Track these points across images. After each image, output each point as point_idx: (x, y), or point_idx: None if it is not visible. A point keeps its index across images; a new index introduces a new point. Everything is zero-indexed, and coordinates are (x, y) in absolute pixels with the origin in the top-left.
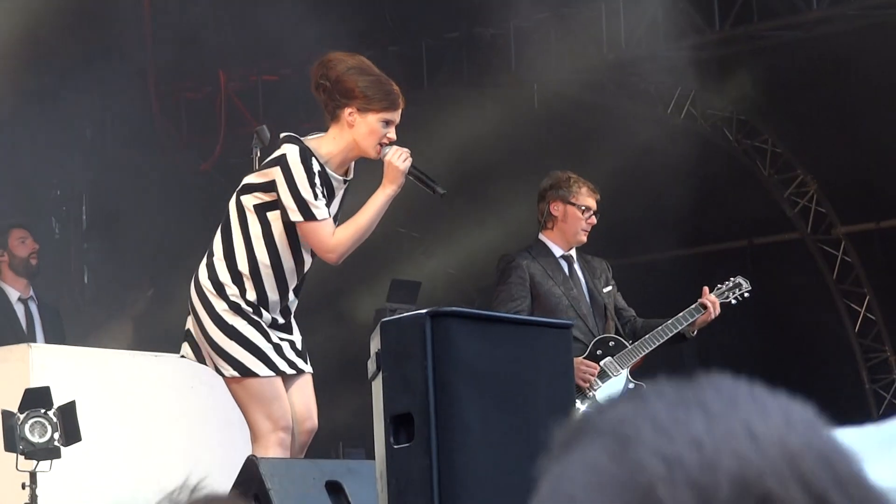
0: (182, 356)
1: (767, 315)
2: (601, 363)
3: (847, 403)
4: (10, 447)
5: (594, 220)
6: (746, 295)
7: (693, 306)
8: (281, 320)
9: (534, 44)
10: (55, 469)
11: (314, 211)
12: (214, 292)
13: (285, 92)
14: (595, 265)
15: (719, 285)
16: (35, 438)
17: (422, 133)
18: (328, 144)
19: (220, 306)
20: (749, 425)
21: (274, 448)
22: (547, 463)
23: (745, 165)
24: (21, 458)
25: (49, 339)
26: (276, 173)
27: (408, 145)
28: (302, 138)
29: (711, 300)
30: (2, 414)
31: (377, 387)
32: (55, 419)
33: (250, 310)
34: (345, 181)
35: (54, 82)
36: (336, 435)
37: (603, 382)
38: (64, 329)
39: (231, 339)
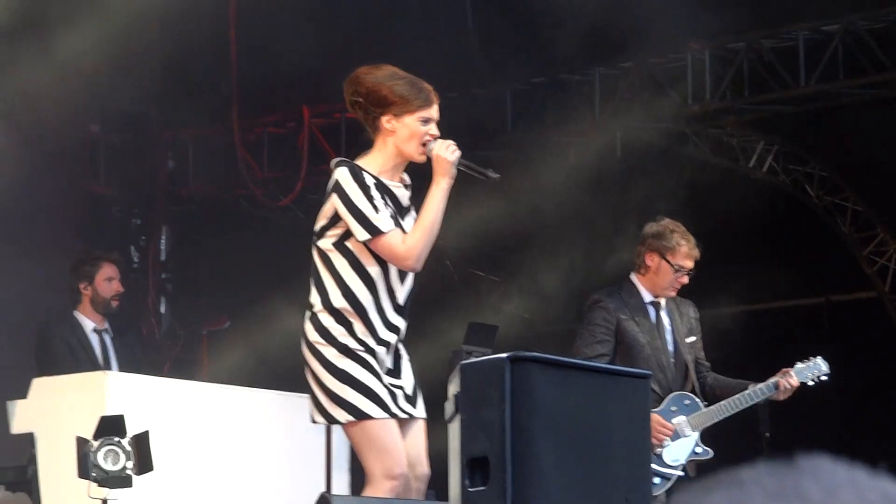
0: (314, 422)
1: (843, 373)
2: (673, 421)
3: None
4: (83, 474)
5: (686, 279)
6: (824, 378)
7: (772, 381)
8: (390, 365)
9: (619, 91)
10: (126, 498)
11: (377, 224)
12: (323, 341)
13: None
14: (683, 311)
15: (799, 363)
16: (108, 466)
17: (503, 176)
18: (376, 158)
19: (330, 353)
20: None
21: (384, 494)
22: None
23: (826, 222)
24: (94, 485)
25: (123, 370)
26: (334, 201)
27: (491, 187)
28: (352, 160)
29: (791, 385)
30: (77, 441)
31: (454, 429)
32: (129, 448)
33: (361, 348)
34: (406, 186)
35: (140, 111)
36: None
37: (672, 441)
38: (139, 360)
39: (344, 383)
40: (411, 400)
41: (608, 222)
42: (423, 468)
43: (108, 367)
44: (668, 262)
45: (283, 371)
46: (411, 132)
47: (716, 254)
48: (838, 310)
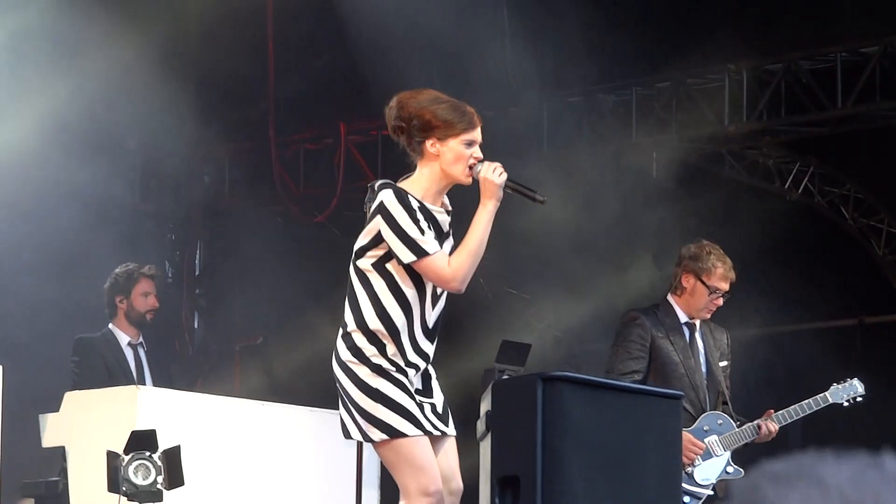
0: (348, 437)
1: (877, 395)
2: (706, 440)
3: None
4: (113, 488)
5: (720, 301)
6: (859, 399)
7: (809, 400)
8: (420, 386)
9: (655, 111)
10: None
11: (424, 247)
12: (356, 360)
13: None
14: (717, 336)
15: (835, 384)
16: (139, 481)
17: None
18: (420, 181)
19: (363, 372)
20: None
21: None
22: None
23: (860, 243)
24: (124, 499)
25: (157, 385)
26: (378, 223)
27: (526, 205)
28: (395, 182)
29: (770, 430)
30: (107, 455)
31: (485, 447)
32: (160, 462)
33: (393, 368)
34: (448, 212)
35: (177, 126)
36: None
37: (703, 461)
38: (172, 376)
39: (377, 402)
40: (442, 418)
41: (643, 241)
42: (457, 483)
43: (141, 381)
44: (703, 283)
45: (316, 388)
46: (456, 155)
47: (751, 275)
48: (872, 331)
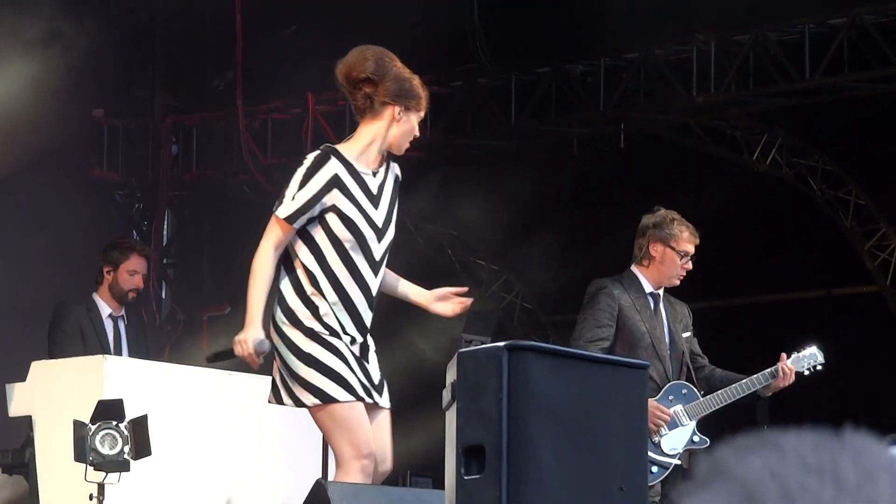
0: (269, 401)
1: (844, 367)
2: (672, 409)
3: None
4: (80, 458)
5: (690, 265)
6: (819, 368)
7: (770, 369)
8: (357, 353)
9: (623, 83)
10: (124, 481)
11: (281, 206)
12: (289, 324)
13: None
14: (678, 309)
15: (796, 352)
16: (105, 450)
17: (506, 166)
18: (363, 140)
19: (296, 336)
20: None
21: (356, 474)
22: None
23: (828, 215)
24: (90, 469)
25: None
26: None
27: (493, 177)
28: (336, 145)
29: (788, 368)
30: (74, 424)
31: (451, 417)
32: (126, 432)
33: (326, 332)
34: (389, 173)
35: (144, 96)
36: (404, 463)
37: (670, 430)
38: (148, 349)
39: (310, 366)
40: (377, 388)
41: (610, 212)
42: (387, 465)
43: (119, 353)
44: (672, 249)
45: None
46: (411, 129)
47: (718, 246)
48: (839, 303)
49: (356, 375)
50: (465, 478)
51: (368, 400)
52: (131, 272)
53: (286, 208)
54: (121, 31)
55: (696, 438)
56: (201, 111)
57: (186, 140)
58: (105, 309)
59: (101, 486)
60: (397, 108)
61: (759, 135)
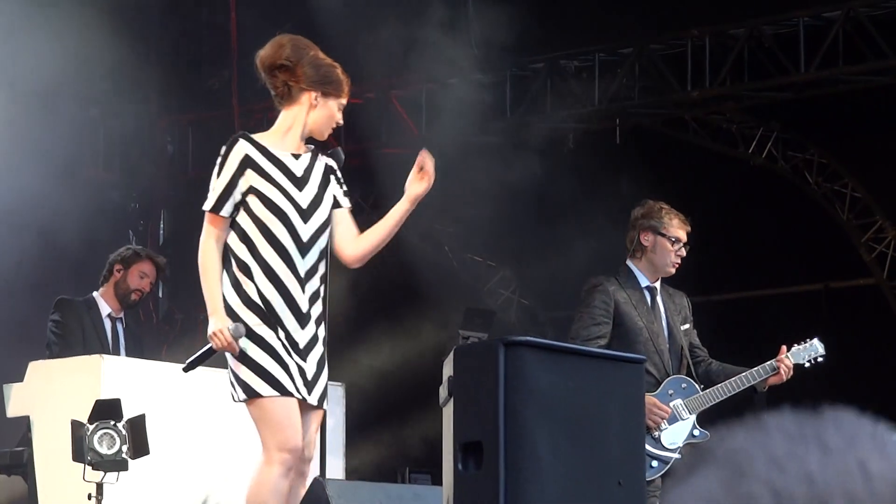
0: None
1: (840, 359)
2: (671, 404)
3: None
4: (78, 457)
5: (684, 252)
6: (820, 360)
7: (769, 363)
8: (301, 345)
9: (618, 77)
10: (122, 481)
11: (210, 200)
12: (228, 317)
13: (368, 115)
14: (677, 300)
15: (796, 345)
16: (103, 450)
17: (502, 161)
18: (283, 126)
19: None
20: (865, 464)
21: (275, 467)
22: (668, 485)
23: (825, 208)
24: (89, 468)
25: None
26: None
27: (490, 173)
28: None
29: (787, 365)
30: (72, 424)
31: (448, 413)
32: (124, 432)
33: (257, 322)
34: (317, 160)
35: (140, 96)
36: (402, 459)
37: (670, 425)
38: (144, 352)
39: (241, 362)
40: (308, 385)
41: (607, 208)
42: (308, 451)
43: (117, 353)
44: (664, 236)
45: None
46: (330, 115)
47: (715, 240)
48: (837, 296)
49: (284, 370)
50: (463, 474)
51: (297, 395)
52: (142, 274)
53: (209, 200)
54: (117, 30)
55: (696, 432)
56: (197, 111)
57: (182, 140)
58: (105, 308)
59: (99, 486)
60: (314, 94)
61: (755, 128)
